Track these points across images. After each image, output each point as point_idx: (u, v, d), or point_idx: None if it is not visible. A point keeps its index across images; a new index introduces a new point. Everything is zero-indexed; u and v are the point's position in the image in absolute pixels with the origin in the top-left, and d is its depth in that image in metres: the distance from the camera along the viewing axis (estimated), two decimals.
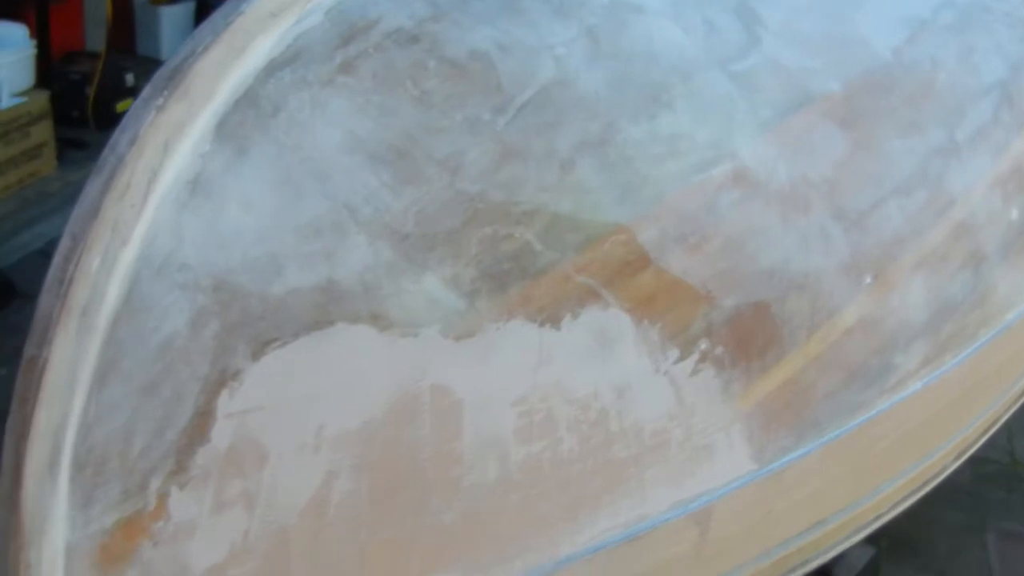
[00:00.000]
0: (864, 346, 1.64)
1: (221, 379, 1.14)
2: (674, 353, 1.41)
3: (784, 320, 1.52)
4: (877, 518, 1.80)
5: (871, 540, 2.79)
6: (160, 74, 1.20)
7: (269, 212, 1.18)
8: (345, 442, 1.20)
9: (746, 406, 1.50)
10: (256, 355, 1.15)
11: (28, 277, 3.76)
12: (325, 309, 1.18)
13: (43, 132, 4.24)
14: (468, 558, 1.32)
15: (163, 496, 1.13)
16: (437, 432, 1.25)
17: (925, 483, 1.90)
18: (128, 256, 1.11)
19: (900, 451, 1.77)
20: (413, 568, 1.29)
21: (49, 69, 4.54)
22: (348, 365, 1.20)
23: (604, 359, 1.36)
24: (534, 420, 1.32)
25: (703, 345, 1.44)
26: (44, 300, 1.12)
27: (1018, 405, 2.32)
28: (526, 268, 1.30)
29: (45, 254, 3.96)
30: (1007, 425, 3.45)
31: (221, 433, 1.14)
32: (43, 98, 4.29)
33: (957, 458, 2.02)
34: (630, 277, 1.38)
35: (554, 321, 1.32)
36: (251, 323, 1.15)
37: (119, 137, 1.17)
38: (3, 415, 1.14)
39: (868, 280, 1.63)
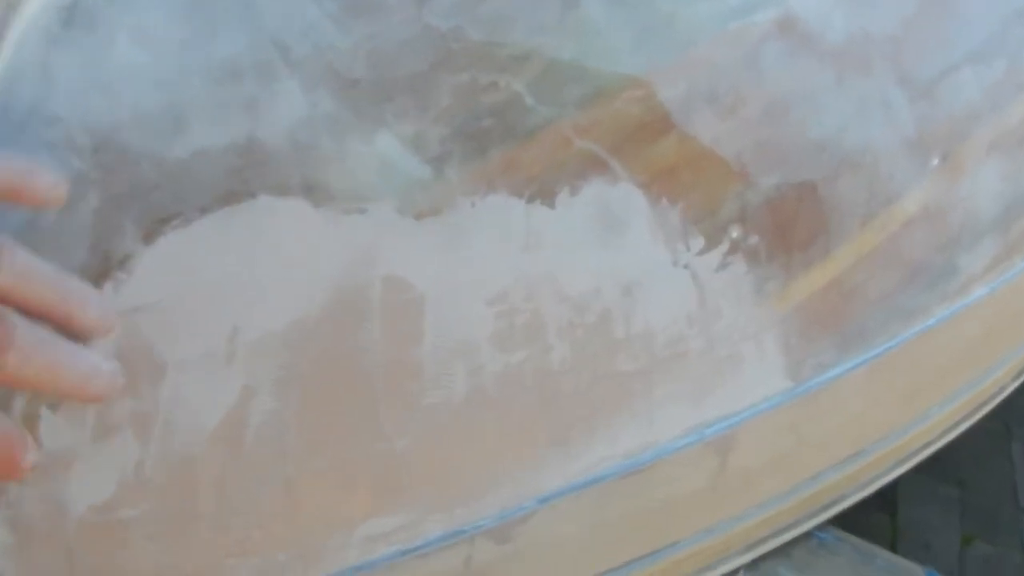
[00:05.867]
0: (926, 241, 1.42)
1: (103, 268, 0.92)
2: (698, 242, 1.20)
3: (834, 205, 1.31)
4: (924, 447, 1.59)
5: None
6: None
7: (171, 48, 0.94)
8: (266, 350, 0.98)
9: (783, 310, 1.29)
10: (149, 237, 0.93)
11: None
12: (242, 176, 0.96)
13: None
14: (426, 495, 1.10)
15: (31, 420, 0.93)
16: (390, 337, 1.04)
17: (980, 406, 1.69)
18: None
19: (956, 368, 1.57)
20: (354, 509, 1.08)
21: None
22: (272, 250, 0.98)
23: (609, 246, 1.15)
24: (516, 323, 1.10)
25: (734, 233, 1.23)
26: None
27: None
28: (513, 127, 1.07)
29: None
30: None
31: (104, 339, 0.91)
32: None
33: (1017, 377, 1.81)
34: (646, 144, 1.15)
35: (546, 196, 1.10)
36: (143, 195, 0.92)
37: None
38: None
39: (936, 161, 1.40)
